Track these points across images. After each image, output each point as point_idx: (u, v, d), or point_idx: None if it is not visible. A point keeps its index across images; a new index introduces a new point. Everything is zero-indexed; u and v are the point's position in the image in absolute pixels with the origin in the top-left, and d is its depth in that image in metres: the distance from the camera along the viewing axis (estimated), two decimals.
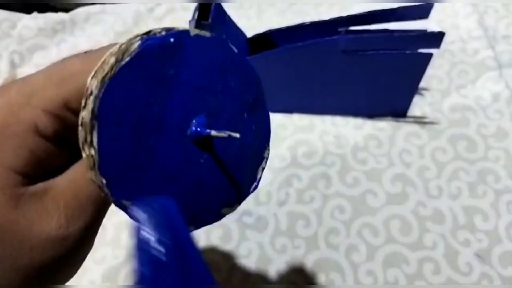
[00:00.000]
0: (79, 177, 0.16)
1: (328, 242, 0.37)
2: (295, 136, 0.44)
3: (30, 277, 0.15)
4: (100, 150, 0.13)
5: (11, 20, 0.54)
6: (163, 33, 0.14)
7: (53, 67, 0.15)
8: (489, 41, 0.49)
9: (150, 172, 0.15)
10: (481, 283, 0.34)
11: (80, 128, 0.14)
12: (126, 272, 0.37)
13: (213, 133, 0.15)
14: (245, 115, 0.17)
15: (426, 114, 0.44)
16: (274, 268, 0.36)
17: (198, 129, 0.15)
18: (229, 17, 0.39)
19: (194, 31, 0.15)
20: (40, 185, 0.15)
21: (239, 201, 0.18)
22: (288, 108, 0.45)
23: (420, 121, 0.44)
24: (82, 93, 0.14)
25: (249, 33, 0.42)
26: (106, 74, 0.14)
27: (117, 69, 0.13)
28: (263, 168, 0.18)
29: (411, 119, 0.44)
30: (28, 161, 0.15)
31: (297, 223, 0.38)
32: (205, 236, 0.38)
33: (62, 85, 0.15)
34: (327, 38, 0.37)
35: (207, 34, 0.15)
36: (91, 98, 0.14)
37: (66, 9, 0.57)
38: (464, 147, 0.41)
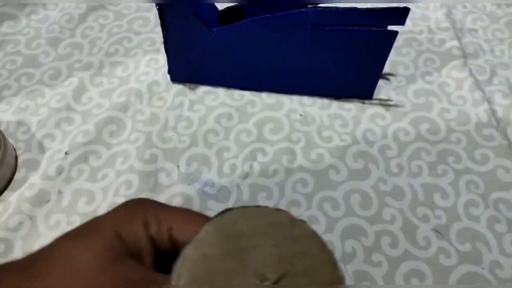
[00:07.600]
0: None
1: None
2: (263, 113, 0.44)
3: None
4: None
5: None
6: None
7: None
8: (456, 32, 0.50)
9: None
10: (438, 257, 0.34)
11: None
12: None
13: None
14: None
15: (391, 98, 0.45)
16: None
17: None
18: None
19: None
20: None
21: None
22: (257, 86, 0.45)
23: (385, 103, 0.44)
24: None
25: (221, 7, 0.42)
26: None
27: None
28: None
29: (376, 101, 0.44)
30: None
31: (259, 195, 0.38)
32: None
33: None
34: (296, 11, 0.37)
35: None
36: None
37: None
38: (426, 129, 0.42)
